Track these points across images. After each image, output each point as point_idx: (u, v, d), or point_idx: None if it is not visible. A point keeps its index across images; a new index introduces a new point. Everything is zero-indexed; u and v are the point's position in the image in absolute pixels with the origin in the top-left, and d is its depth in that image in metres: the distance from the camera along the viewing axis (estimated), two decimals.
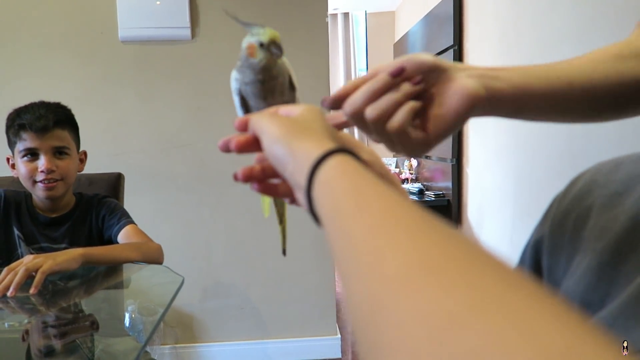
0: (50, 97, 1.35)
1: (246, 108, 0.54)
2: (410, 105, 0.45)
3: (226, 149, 0.44)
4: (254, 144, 0.42)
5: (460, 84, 0.45)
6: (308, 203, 0.35)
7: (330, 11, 4.81)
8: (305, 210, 0.38)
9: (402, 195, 0.30)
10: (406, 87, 0.45)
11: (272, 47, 0.48)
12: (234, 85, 0.54)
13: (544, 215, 0.47)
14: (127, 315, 1.17)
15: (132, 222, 1.36)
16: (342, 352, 2.14)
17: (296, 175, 0.36)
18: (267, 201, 0.61)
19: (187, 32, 1.97)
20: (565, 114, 0.52)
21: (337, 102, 0.47)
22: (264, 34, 0.48)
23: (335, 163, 0.34)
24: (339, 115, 0.49)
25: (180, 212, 2.07)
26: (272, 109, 0.45)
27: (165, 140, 2.03)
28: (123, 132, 2.02)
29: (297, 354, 2.12)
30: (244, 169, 0.43)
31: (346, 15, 4.88)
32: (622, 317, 0.33)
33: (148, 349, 1.86)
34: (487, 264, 0.21)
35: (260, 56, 0.49)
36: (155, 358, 1.43)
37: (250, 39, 0.49)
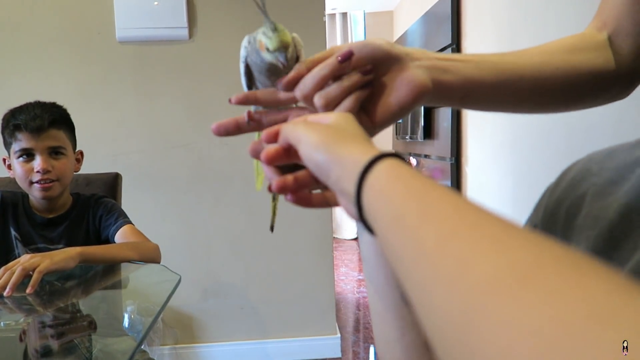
0: (48, 98, 1.35)
1: (249, 78, 0.53)
2: (357, 95, 0.46)
3: (219, 133, 0.43)
4: (285, 155, 0.41)
5: (410, 76, 0.46)
6: (358, 211, 0.33)
7: (328, 11, 4.81)
8: (352, 218, 0.36)
9: (465, 197, 0.28)
10: (355, 77, 0.45)
11: (278, 55, 0.47)
12: (242, 52, 0.52)
13: (536, 205, 0.47)
14: (126, 316, 1.16)
15: (129, 222, 1.35)
16: (342, 351, 2.14)
17: (343, 183, 0.35)
18: (262, 175, 0.60)
19: (185, 32, 1.97)
20: (515, 105, 0.52)
21: (290, 85, 0.47)
22: (272, 41, 0.47)
23: (387, 168, 0.32)
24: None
25: (178, 212, 2.07)
26: (302, 117, 0.44)
27: (164, 140, 2.03)
28: (121, 132, 2.02)
29: (297, 354, 2.11)
30: (278, 180, 0.41)
31: (344, 15, 4.88)
32: None
33: (147, 349, 1.86)
34: (583, 268, 0.19)
35: (267, 57, 0.48)
36: (155, 358, 1.43)
37: (261, 37, 0.48)
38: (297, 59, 0.50)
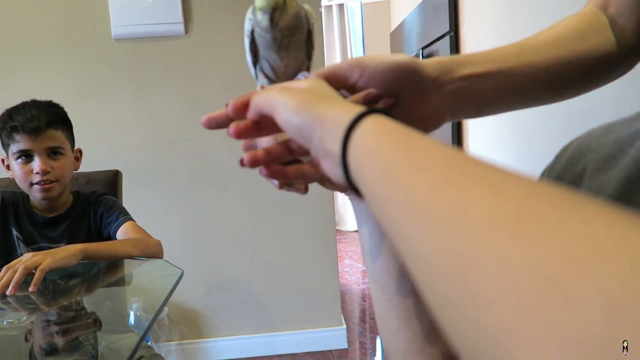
0: (44, 97, 1.34)
1: (255, 54, 0.49)
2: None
3: (210, 126, 0.42)
4: (254, 129, 0.40)
5: (433, 108, 0.43)
6: (344, 171, 0.32)
7: (325, 3, 4.78)
8: (337, 180, 0.35)
9: (455, 148, 0.27)
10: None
11: (261, 15, 0.43)
12: (247, 25, 0.48)
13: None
14: (132, 313, 1.17)
15: (130, 218, 1.35)
16: (348, 342, 2.14)
17: (327, 143, 0.34)
18: None
19: (181, 28, 1.96)
20: (529, 102, 0.51)
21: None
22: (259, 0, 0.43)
23: (373, 123, 0.31)
24: None
25: (180, 208, 2.06)
26: (277, 86, 0.42)
27: (163, 137, 2.03)
28: (120, 129, 2.02)
29: (304, 346, 2.12)
30: (249, 154, 0.40)
31: (341, 6, 4.85)
32: None
33: (153, 345, 1.86)
34: (582, 204, 0.19)
35: (260, 16, 0.44)
36: (161, 354, 1.43)
37: None
38: (309, 34, 0.46)
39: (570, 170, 0.40)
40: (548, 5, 2.03)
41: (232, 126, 0.40)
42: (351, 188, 0.33)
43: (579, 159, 0.40)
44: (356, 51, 5.02)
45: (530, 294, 0.17)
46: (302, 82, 0.40)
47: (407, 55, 0.43)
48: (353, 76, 0.42)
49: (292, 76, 0.48)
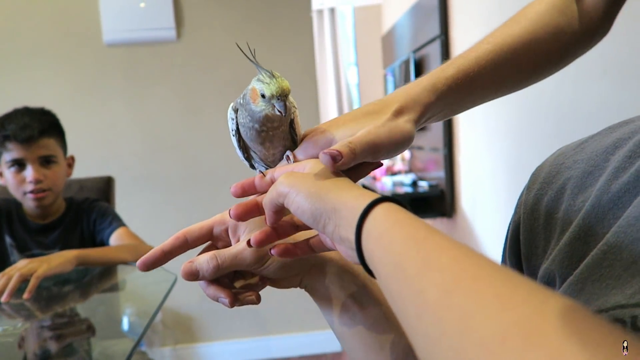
0: (36, 103, 1.34)
1: (244, 147, 0.49)
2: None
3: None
4: (273, 235, 0.41)
5: (398, 132, 0.43)
6: (360, 258, 0.33)
7: (316, 7, 4.80)
8: (354, 263, 0.36)
9: (462, 244, 0.28)
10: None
11: (274, 102, 0.42)
12: (230, 124, 0.47)
13: (516, 205, 0.47)
14: (125, 319, 1.17)
15: (123, 224, 1.36)
16: None
17: (341, 231, 0.34)
18: None
19: (173, 33, 1.97)
20: (514, 84, 0.53)
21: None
22: (269, 86, 0.42)
23: (384, 213, 0.32)
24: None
25: (173, 213, 2.07)
26: (280, 169, 0.43)
27: (156, 142, 2.03)
28: (113, 135, 2.02)
29: (298, 349, 2.12)
30: (258, 235, 0.41)
31: (332, 10, 4.88)
32: (579, 284, 0.33)
33: (147, 351, 1.86)
34: (587, 326, 0.19)
35: (261, 106, 0.43)
36: (154, 359, 1.43)
37: (255, 84, 0.44)
38: (291, 122, 0.46)
39: (549, 188, 0.41)
40: None
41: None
42: (367, 271, 0.34)
43: (556, 176, 0.41)
44: (348, 55, 5.05)
45: None
46: (305, 165, 0.41)
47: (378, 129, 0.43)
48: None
49: (279, 162, 0.48)
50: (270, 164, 0.48)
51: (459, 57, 0.48)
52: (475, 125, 2.72)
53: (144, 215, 2.01)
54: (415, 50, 3.29)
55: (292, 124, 0.46)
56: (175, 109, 2.02)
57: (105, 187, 1.58)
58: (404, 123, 0.43)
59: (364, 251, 0.32)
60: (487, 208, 2.61)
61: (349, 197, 0.35)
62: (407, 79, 3.48)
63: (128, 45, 1.98)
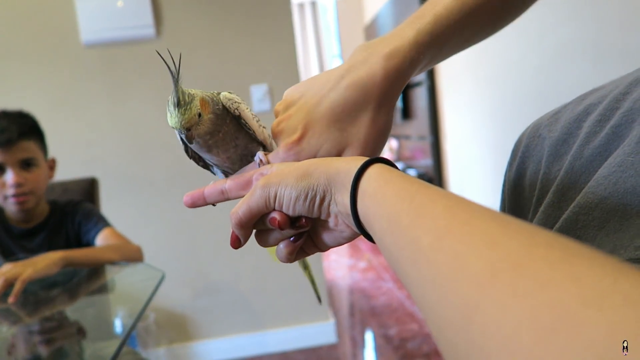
0: (14, 106, 1.32)
1: (195, 157, 0.48)
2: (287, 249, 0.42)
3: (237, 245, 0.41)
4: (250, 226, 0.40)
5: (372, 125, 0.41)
6: (355, 221, 0.33)
7: (297, 1, 4.78)
8: (349, 230, 0.36)
9: (454, 194, 0.28)
10: (288, 233, 0.40)
11: (177, 132, 0.41)
12: (178, 136, 0.45)
13: (503, 182, 0.47)
14: (118, 321, 1.16)
15: (109, 225, 1.34)
16: (338, 336, 2.15)
17: (336, 196, 0.35)
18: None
19: (152, 31, 1.95)
20: (490, 24, 0.49)
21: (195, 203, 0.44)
22: (170, 117, 0.41)
23: (378, 172, 0.33)
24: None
25: (160, 213, 2.05)
26: (236, 180, 0.42)
27: (139, 142, 2.01)
28: (95, 136, 1.99)
29: (294, 342, 2.12)
30: (233, 238, 0.40)
31: (313, 3, 4.86)
32: None
33: (142, 352, 1.85)
34: (573, 254, 0.20)
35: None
36: (148, 359, 1.42)
37: (166, 107, 0.42)
38: (236, 117, 0.44)
39: (529, 160, 0.41)
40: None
41: (281, 253, 0.41)
42: (364, 235, 0.34)
43: (534, 148, 0.42)
44: (331, 47, 5.03)
45: (527, 344, 0.18)
46: (271, 169, 0.40)
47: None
48: None
49: (243, 160, 0.46)
50: (230, 166, 0.47)
51: (430, 8, 0.45)
52: (461, 112, 2.72)
53: (129, 216, 1.99)
54: None
55: (239, 119, 0.44)
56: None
57: (89, 188, 1.57)
58: (384, 119, 0.41)
59: (359, 210, 0.33)
60: (475, 193, 2.62)
61: (340, 163, 0.35)
62: None
63: (107, 44, 1.95)
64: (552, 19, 1.73)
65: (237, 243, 0.40)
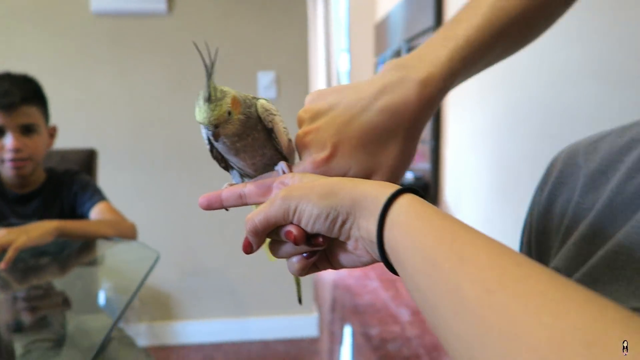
0: (19, 69, 1.30)
1: (219, 159, 0.47)
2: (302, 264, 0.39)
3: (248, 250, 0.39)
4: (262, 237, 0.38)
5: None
6: (380, 249, 0.32)
7: None
8: (368, 257, 0.34)
9: (493, 240, 0.27)
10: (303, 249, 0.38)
11: (203, 128, 0.40)
12: (204, 133, 0.44)
13: (530, 205, 0.46)
14: (102, 294, 1.15)
15: (105, 199, 1.33)
16: (320, 330, 2.16)
17: (360, 221, 0.33)
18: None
19: (163, 6, 1.92)
20: (519, 40, 0.50)
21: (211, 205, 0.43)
22: (198, 112, 0.39)
23: (408, 203, 0.31)
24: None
25: (157, 189, 2.04)
26: (257, 184, 0.40)
27: (142, 117, 1.99)
28: (97, 107, 1.97)
29: (275, 332, 2.13)
30: (245, 244, 0.39)
31: None
32: (586, 284, 0.33)
33: (123, 326, 1.85)
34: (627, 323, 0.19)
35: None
36: (130, 335, 1.42)
37: (195, 102, 0.41)
38: (267, 129, 0.43)
39: (563, 188, 0.41)
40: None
41: (295, 267, 0.39)
42: (387, 265, 0.33)
43: (569, 175, 0.41)
44: (340, 41, 5.00)
45: None
46: (292, 179, 0.39)
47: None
48: None
49: (265, 169, 0.45)
50: (252, 172, 0.46)
51: (461, 27, 0.45)
52: (464, 120, 2.73)
53: (125, 190, 1.98)
54: (408, 40, 3.28)
55: (271, 132, 0.43)
56: (163, 84, 1.98)
57: (88, 159, 1.55)
58: (412, 147, 0.41)
59: (386, 241, 0.31)
60: (470, 203, 2.63)
61: (368, 188, 0.33)
62: None
63: (116, 15, 1.93)
64: (561, 38, 1.74)
65: (249, 248, 0.39)
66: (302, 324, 2.14)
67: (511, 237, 1.97)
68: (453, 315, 0.24)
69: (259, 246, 0.39)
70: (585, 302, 0.21)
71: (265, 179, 0.42)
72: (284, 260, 0.40)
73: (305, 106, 0.44)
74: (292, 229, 0.36)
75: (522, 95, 2.10)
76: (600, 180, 0.37)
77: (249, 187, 0.41)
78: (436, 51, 0.42)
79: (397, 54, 3.47)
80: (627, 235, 0.32)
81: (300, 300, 0.51)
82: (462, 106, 2.74)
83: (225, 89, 0.40)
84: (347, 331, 2.23)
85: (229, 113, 0.40)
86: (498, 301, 0.22)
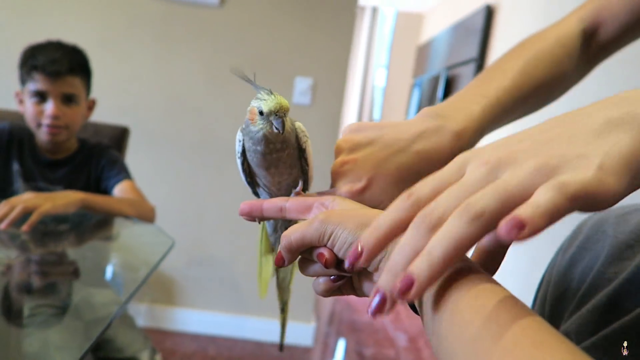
0: (68, 38, 1.33)
1: (249, 172, 0.47)
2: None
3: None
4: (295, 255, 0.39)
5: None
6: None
7: (359, 2, 4.76)
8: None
9: (516, 298, 0.26)
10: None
11: (272, 119, 0.41)
12: (237, 146, 0.46)
13: (550, 263, 0.46)
14: (112, 271, 1.17)
15: (130, 178, 1.36)
16: (315, 341, 2.16)
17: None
18: (266, 279, 0.54)
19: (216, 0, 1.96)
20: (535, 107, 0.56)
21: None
22: (266, 102, 0.41)
23: None
24: None
25: (179, 175, 2.07)
26: (312, 201, 0.41)
27: (176, 103, 2.03)
28: (134, 86, 2.01)
29: (270, 334, 2.13)
30: (278, 258, 0.39)
31: (375, 9, 4.84)
32: (595, 352, 0.33)
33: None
34: None
35: (259, 125, 0.42)
36: (131, 314, 1.44)
37: (254, 102, 0.42)
38: (301, 149, 0.44)
39: (586, 253, 0.41)
40: None
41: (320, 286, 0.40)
42: (410, 305, 0.33)
43: (595, 242, 0.41)
44: (380, 57, 5.01)
45: None
46: (331, 203, 0.40)
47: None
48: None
49: (287, 191, 0.47)
50: (275, 192, 0.47)
51: (491, 91, 0.50)
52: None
53: (151, 172, 2.01)
54: (449, 68, 3.27)
55: (303, 153, 0.45)
56: (201, 74, 2.01)
57: (120, 136, 1.58)
58: None
59: None
60: None
61: None
62: (433, 97, 3.45)
63: (169, 0, 1.97)
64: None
65: (281, 262, 0.39)
66: (298, 332, 2.14)
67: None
68: None
69: (291, 262, 0.39)
70: None
71: (306, 197, 0.43)
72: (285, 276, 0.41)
73: (345, 136, 0.46)
74: (324, 251, 0.36)
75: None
76: (627, 254, 0.37)
77: (290, 203, 0.42)
78: (470, 106, 0.47)
79: (436, 79, 3.46)
80: None
81: (281, 347, 0.53)
82: None
83: None
84: (342, 346, 2.21)
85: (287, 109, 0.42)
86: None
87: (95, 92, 1.42)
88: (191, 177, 2.07)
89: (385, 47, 5.02)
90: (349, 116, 4.89)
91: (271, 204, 0.43)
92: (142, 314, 2.12)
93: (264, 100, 0.41)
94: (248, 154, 0.45)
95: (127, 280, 1.10)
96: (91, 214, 1.22)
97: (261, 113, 0.41)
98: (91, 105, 1.39)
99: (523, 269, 2.03)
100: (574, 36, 0.56)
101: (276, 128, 0.41)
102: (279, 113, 0.41)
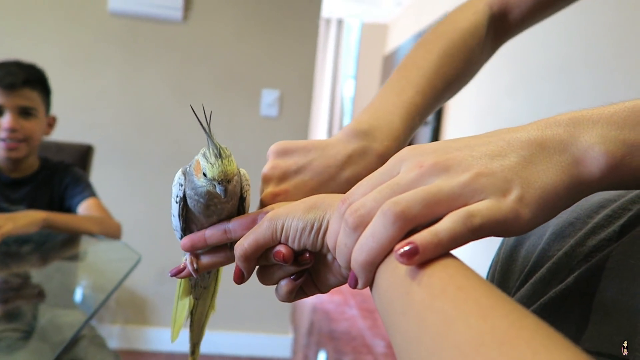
0: (32, 57, 1.32)
1: (186, 217, 0.45)
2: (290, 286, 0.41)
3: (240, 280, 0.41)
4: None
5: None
6: None
7: (325, 14, 4.82)
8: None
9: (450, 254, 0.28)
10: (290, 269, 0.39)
11: (216, 184, 0.40)
12: (176, 190, 0.44)
13: (500, 244, 0.48)
14: (79, 290, 1.14)
15: (95, 195, 1.33)
16: (293, 352, 2.14)
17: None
18: (180, 323, 0.53)
19: (179, 14, 1.95)
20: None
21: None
22: (212, 168, 0.39)
23: None
24: None
25: (147, 192, 2.04)
26: (254, 215, 0.42)
27: (142, 119, 2.01)
28: (100, 103, 1.98)
29: (248, 349, 2.11)
30: (236, 273, 0.41)
31: (340, 21, 4.91)
32: None
33: (96, 325, 1.82)
34: (553, 343, 0.21)
35: (202, 183, 0.40)
36: (102, 335, 1.41)
37: (200, 159, 0.40)
38: (242, 198, 0.43)
39: (532, 234, 0.42)
40: (536, 43, 2.11)
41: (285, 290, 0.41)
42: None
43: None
44: (347, 67, 5.08)
45: None
46: (277, 207, 0.41)
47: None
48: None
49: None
50: None
51: (410, 88, 0.52)
52: (464, 105, 2.79)
53: (118, 189, 1.98)
54: None
55: (243, 201, 0.44)
56: (167, 90, 2.00)
57: (83, 154, 1.56)
58: None
59: None
60: None
61: None
62: None
63: (132, 17, 1.96)
64: (562, 28, 1.78)
65: (240, 278, 0.40)
66: (276, 344, 2.12)
67: None
68: (402, 314, 0.27)
69: (249, 273, 0.40)
70: (511, 311, 0.23)
71: (249, 214, 0.43)
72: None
73: (272, 162, 0.45)
74: (281, 248, 0.37)
75: (522, 80, 2.14)
76: (568, 231, 0.39)
77: (233, 222, 0.42)
78: (391, 117, 0.48)
79: None
80: (576, 281, 0.34)
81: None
82: (464, 90, 2.81)
83: (224, 147, 0.41)
84: (321, 356, 2.20)
85: (238, 171, 0.41)
86: (438, 305, 0.25)
87: (62, 111, 1.40)
88: (161, 192, 2.04)
89: (353, 58, 5.09)
90: (320, 126, 4.92)
91: (214, 229, 0.42)
92: (115, 335, 2.07)
93: (210, 163, 0.39)
94: (189, 200, 0.43)
95: (95, 299, 1.08)
96: (56, 233, 1.19)
97: (205, 175, 0.40)
98: (51, 122, 1.36)
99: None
100: (484, 22, 0.58)
101: (220, 195, 0.40)
102: (222, 182, 0.39)
